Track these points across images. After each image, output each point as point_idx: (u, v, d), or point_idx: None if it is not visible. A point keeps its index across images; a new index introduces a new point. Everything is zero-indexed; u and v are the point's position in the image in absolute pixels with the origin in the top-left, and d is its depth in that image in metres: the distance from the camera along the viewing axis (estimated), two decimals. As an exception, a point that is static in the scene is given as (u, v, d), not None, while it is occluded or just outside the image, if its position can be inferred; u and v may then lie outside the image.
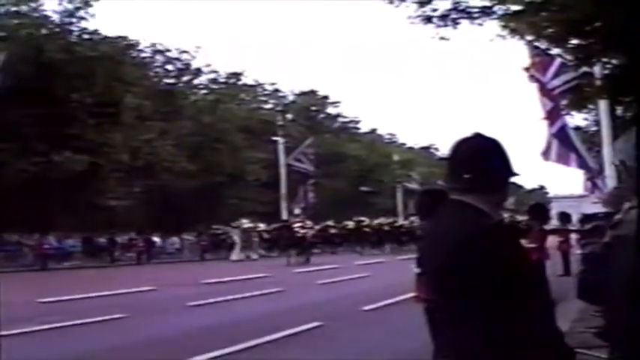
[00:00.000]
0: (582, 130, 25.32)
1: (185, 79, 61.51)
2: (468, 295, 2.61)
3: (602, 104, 17.09)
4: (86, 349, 11.15)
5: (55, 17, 47.17)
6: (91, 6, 47.36)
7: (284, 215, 48.70)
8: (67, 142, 41.62)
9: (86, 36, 47.86)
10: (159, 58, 58.97)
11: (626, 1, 6.44)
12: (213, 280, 23.87)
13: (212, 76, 64.66)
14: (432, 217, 3.05)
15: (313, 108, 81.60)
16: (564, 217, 21.51)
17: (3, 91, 25.28)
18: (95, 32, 48.29)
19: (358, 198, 68.74)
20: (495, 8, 15.55)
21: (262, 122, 62.52)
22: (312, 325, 12.88)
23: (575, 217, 21.68)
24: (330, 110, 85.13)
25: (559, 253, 21.41)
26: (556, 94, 14.35)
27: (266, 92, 75.10)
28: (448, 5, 15.82)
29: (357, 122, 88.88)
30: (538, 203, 16.55)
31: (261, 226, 47.14)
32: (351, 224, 51.90)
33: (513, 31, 15.05)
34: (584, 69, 15.31)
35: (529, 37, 14.96)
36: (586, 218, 12.69)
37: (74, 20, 47.51)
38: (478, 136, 2.85)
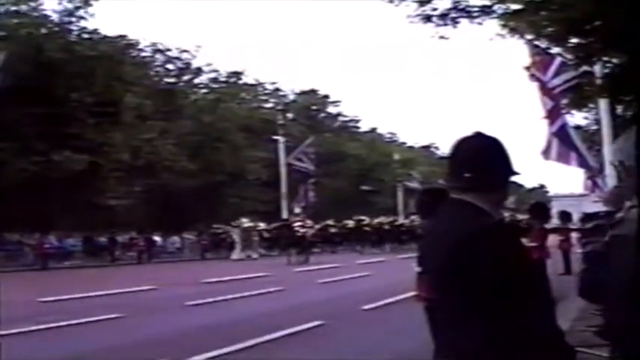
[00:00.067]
0: (583, 129, 25.30)
1: (185, 78, 61.51)
2: (468, 294, 2.61)
3: (603, 103, 17.09)
4: (86, 349, 11.16)
5: (55, 17, 47.24)
6: (90, 5, 47.42)
7: (284, 214, 48.73)
8: (67, 142, 41.62)
9: (86, 35, 47.85)
10: (159, 57, 58.97)
11: (626, 0, 6.43)
12: (213, 280, 23.87)
13: (212, 75, 64.75)
14: (433, 216, 3.05)
15: (314, 107, 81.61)
16: (565, 215, 21.52)
17: (3, 91, 25.29)
18: (95, 31, 48.30)
19: (359, 197, 68.73)
20: (495, 7, 15.56)
21: (263, 121, 62.52)
22: (313, 325, 12.88)
23: (575, 216, 21.68)
24: (331, 109, 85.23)
25: (560, 251, 21.43)
26: (556, 93, 14.34)
27: (266, 91, 75.12)
28: (448, 4, 15.84)
29: (358, 121, 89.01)
30: (539, 202, 16.56)
31: (262, 225, 47.15)
32: (351, 223, 51.90)
33: (513, 30, 15.05)
34: (585, 68, 15.31)
35: (529, 36, 14.96)
36: (587, 217, 12.69)
37: (74, 19, 47.54)
38: (479, 135, 2.85)
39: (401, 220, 54.92)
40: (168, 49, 58.76)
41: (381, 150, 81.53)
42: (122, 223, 47.06)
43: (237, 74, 68.35)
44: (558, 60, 14.53)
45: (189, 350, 10.29)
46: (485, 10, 15.72)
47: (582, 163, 14.97)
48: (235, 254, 43.63)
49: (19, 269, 35.32)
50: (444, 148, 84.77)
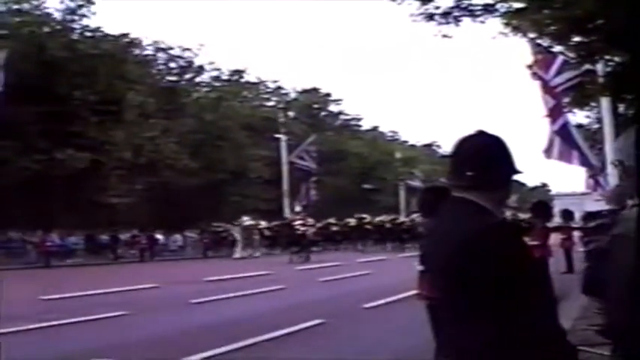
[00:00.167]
0: (584, 128, 25.27)
1: (188, 76, 61.43)
2: (470, 292, 2.61)
3: (605, 102, 17.08)
4: (88, 347, 11.16)
5: (57, 15, 47.22)
6: (93, 4, 47.42)
7: (286, 213, 48.72)
8: (70, 140, 41.63)
9: (88, 34, 47.83)
10: (161, 55, 58.91)
11: (629, -1, 6.42)
12: (215, 278, 23.87)
13: (214, 73, 64.61)
14: (435, 215, 3.05)
15: (315, 105, 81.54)
16: (567, 214, 21.51)
17: (5, 89, 25.29)
18: (97, 30, 48.30)
19: (360, 195, 68.71)
20: (497, 6, 15.57)
21: (265, 120, 62.50)
22: (314, 323, 12.89)
23: (577, 215, 21.67)
24: (333, 108, 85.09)
25: (562, 250, 21.44)
26: (558, 91, 14.34)
27: (268, 90, 75.03)
28: (450, 3, 15.84)
29: (359, 120, 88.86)
30: (541, 201, 16.56)
31: (263, 223, 47.14)
32: (352, 222, 51.87)
33: (515, 29, 15.05)
34: (587, 66, 15.30)
35: (531, 35, 14.95)
36: (589, 216, 12.69)
37: (76, 18, 47.52)
38: (481, 134, 2.85)
39: (402, 218, 54.87)
40: (171, 48, 58.75)
41: (382, 148, 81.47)
42: (124, 221, 47.05)
43: (239, 72, 68.32)
44: (560, 58, 14.52)
45: (191, 348, 10.31)
46: (488, 9, 15.73)
47: (584, 162, 14.96)
48: (237, 253, 43.62)
49: (22, 267, 35.34)
50: (446, 147, 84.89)
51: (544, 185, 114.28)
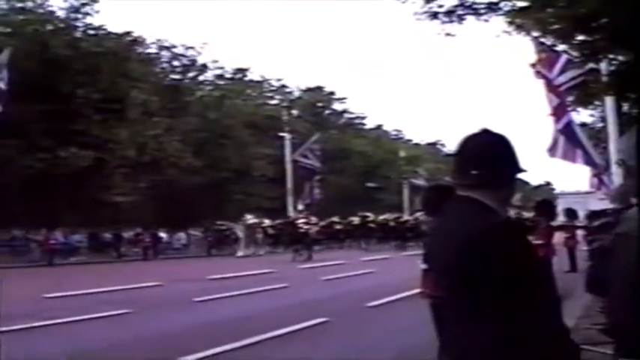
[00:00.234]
0: (588, 127, 25.22)
1: (191, 75, 61.43)
2: (474, 291, 2.61)
3: (609, 100, 17.06)
4: (91, 345, 11.19)
5: (61, 13, 47.21)
6: (96, 2, 47.36)
7: (290, 211, 48.70)
8: (73, 138, 41.63)
9: (91, 32, 47.79)
10: (165, 54, 58.90)
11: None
12: (218, 276, 23.89)
13: (218, 72, 64.59)
14: (439, 214, 3.05)
15: (319, 104, 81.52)
16: (571, 213, 21.51)
17: (9, 88, 25.28)
18: (100, 28, 48.26)
19: (364, 194, 68.69)
20: (501, 4, 15.56)
21: (268, 118, 62.48)
22: (317, 321, 12.90)
23: (581, 214, 21.66)
24: (337, 106, 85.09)
25: (565, 249, 21.42)
26: (562, 90, 14.32)
27: (272, 88, 75.02)
28: (454, 1, 15.85)
29: (363, 118, 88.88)
30: (545, 200, 16.53)
31: (266, 221, 47.16)
32: (356, 220, 51.86)
33: (519, 27, 15.04)
34: (591, 65, 15.28)
35: (535, 33, 14.94)
36: (593, 214, 12.68)
37: (79, 16, 47.51)
38: (486, 132, 2.85)
39: (406, 217, 54.86)
40: (174, 46, 58.71)
41: (386, 147, 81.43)
42: (128, 219, 47.07)
43: (243, 71, 68.34)
44: (564, 57, 14.50)
45: (194, 346, 10.32)
46: (492, 7, 15.72)
47: (588, 161, 14.95)
48: (241, 251, 43.64)
49: (26, 265, 35.43)
50: (450, 146, 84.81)
51: (548, 184, 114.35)
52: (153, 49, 57.47)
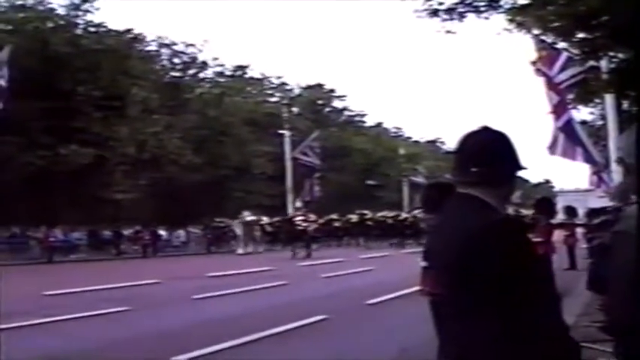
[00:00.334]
0: (588, 125, 25.23)
1: (191, 72, 61.40)
2: (474, 289, 2.61)
3: (609, 98, 17.07)
4: (91, 342, 11.19)
5: (61, 10, 47.19)
6: (96, -1, 47.41)
7: (290, 209, 48.65)
8: (73, 136, 41.62)
9: (92, 29, 47.77)
10: (165, 51, 58.88)
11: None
12: (218, 274, 23.90)
13: (218, 69, 64.56)
14: (439, 211, 3.05)
15: (319, 101, 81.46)
16: (570, 211, 21.51)
17: (9, 85, 25.28)
18: (101, 25, 48.24)
19: (364, 192, 68.68)
20: (502, 2, 15.56)
21: (268, 115, 62.46)
22: (317, 319, 12.90)
23: (581, 211, 21.67)
24: (336, 104, 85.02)
25: (565, 247, 21.43)
26: (562, 88, 14.33)
27: (272, 85, 74.98)
28: (454, -1, 15.82)
29: (363, 116, 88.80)
30: (545, 197, 16.55)
31: (264, 219, 47.13)
32: (354, 217, 51.81)
33: (520, 25, 15.03)
34: (591, 63, 15.28)
35: (535, 31, 14.93)
36: (592, 212, 12.69)
37: (80, 13, 47.48)
38: (486, 130, 2.85)
39: (404, 214, 54.83)
40: (175, 43, 58.71)
41: (386, 145, 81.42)
42: (127, 216, 47.02)
43: (243, 68, 68.31)
44: (564, 55, 14.50)
45: (194, 344, 10.32)
46: (492, 5, 15.71)
47: (588, 159, 14.96)
48: (241, 248, 43.61)
49: (25, 262, 35.41)
50: (450, 143, 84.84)
51: (548, 182, 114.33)
52: (153, 47, 57.48)
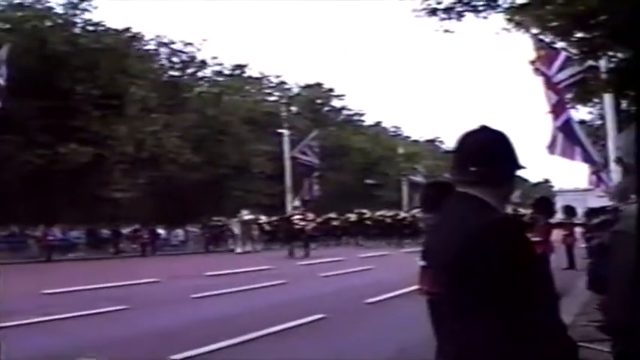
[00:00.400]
0: (587, 124, 25.21)
1: (190, 71, 61.40)
2: (473, 288, 2.61)
3: (608, 98, 17.08)
4: (89, 341, 11.18)
5: (59, 9, 47.18)
6: (95, -3, 47.40)
7: (289, 208, 48.64)
8: (72, 134, 41.60)
9: (90, 28, 47.76)
10: (164, 50, 58.87)
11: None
12: (216, 273, 23.90)
13: (217, 68, 64.56)
14: (438, 210, 3.05)
15: (318, 101, 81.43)
16: (569, 210, 21.50)
17: (7, 84, 25.28)
18: (99, 24, 48.23)
19: (363, 191, 68.65)
20: (500, 1, 15.56)
21: (267, 115, 62.42)
22: (315, 318, 12.90)
23: (580, 211, 21.68)
24: (335, 103, 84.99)
25: (564, 246, 21.43)
26: (561, 87, 14.33)
27: (271, 85, 74.97)
28: (453, -2, 15.82)
29: (362, 115, 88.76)
30: (544, 197, 16.55)
31: (262, 218, 47.11)
32: (353, 217, 51.81)
33: (518, 24, 15.03)
34: (590, 62, 15.28)
35: (534, 30, 14.93)
36: (591, 212, 12.69)
37: (78, 12, 47.46)
38: (485, 129, 2.85)
39: (403, 214, 54.81)
40: (173, 42, 58.72)
41: (385, 144, 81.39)
42: (126, 215, 46.99)
43: (242, 67, 68.30)
44: (563, 54, 14.51)
45: (192, 342, 10.32)
46: (491, 4, 15.72)
47: (587, 158, 14.96)
48: (239, 247, 43.58)
49: (24, 261, 35.36)
50: (449, 142, 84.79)
51: (547, 181, 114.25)
52: (152, 46, 57.48)
